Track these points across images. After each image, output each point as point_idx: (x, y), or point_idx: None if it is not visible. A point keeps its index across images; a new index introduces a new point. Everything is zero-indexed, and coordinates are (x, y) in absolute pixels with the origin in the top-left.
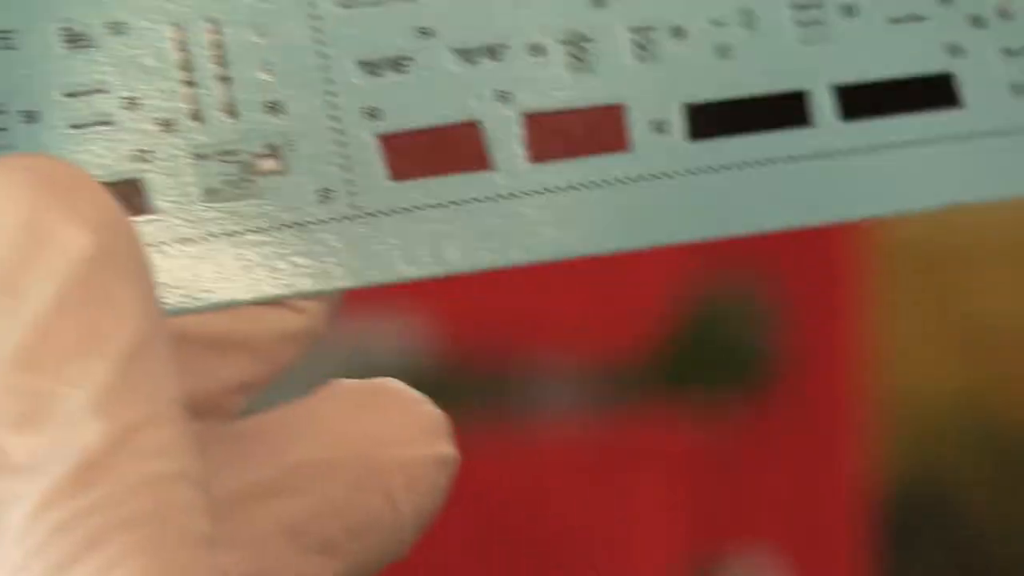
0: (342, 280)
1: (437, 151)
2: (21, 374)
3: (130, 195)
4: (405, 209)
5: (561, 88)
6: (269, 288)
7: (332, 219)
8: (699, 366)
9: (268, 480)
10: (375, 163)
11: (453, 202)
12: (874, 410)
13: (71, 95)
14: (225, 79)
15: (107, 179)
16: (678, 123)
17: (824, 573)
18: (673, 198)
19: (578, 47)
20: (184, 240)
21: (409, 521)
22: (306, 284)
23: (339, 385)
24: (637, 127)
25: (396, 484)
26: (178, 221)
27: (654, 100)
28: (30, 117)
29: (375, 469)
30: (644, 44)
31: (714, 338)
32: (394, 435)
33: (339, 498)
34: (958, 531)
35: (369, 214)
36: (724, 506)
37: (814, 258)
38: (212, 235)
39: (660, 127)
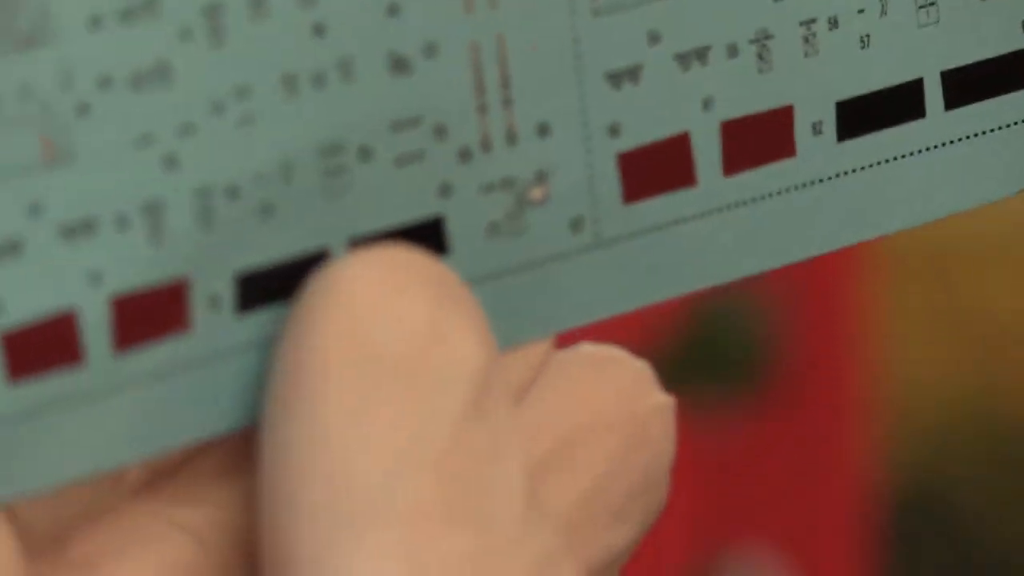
0: (588, 316)
1: (657, 168)
2: (444, 478)
3: (430, 235)
4: (634, 234)
5: (750, 91)
6: (517, 335)
7: (580, 250)
8: (701, 365)
9: (550, 456)
10: (613, 186)
11: (671, 223)
12: (876, 410)
13: (397, 127)
14: (508, 101)
15: (419, 219)
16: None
17: (825, 573)
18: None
19: (763, 45)
20: (470, 282)
21: (666, 470)
22: (555, 323)
23: (556, 354)
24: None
25: (656, 436)
26: (467, 262)
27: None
28: (365, 154)
29: (635, 424)
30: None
31: (716, 338)
32: (629, 389)
33: (619, 457)
34: (960, 532)
35: (609, 242)
36: (725, 506)
37: (817, 258)
38: (488, 276)
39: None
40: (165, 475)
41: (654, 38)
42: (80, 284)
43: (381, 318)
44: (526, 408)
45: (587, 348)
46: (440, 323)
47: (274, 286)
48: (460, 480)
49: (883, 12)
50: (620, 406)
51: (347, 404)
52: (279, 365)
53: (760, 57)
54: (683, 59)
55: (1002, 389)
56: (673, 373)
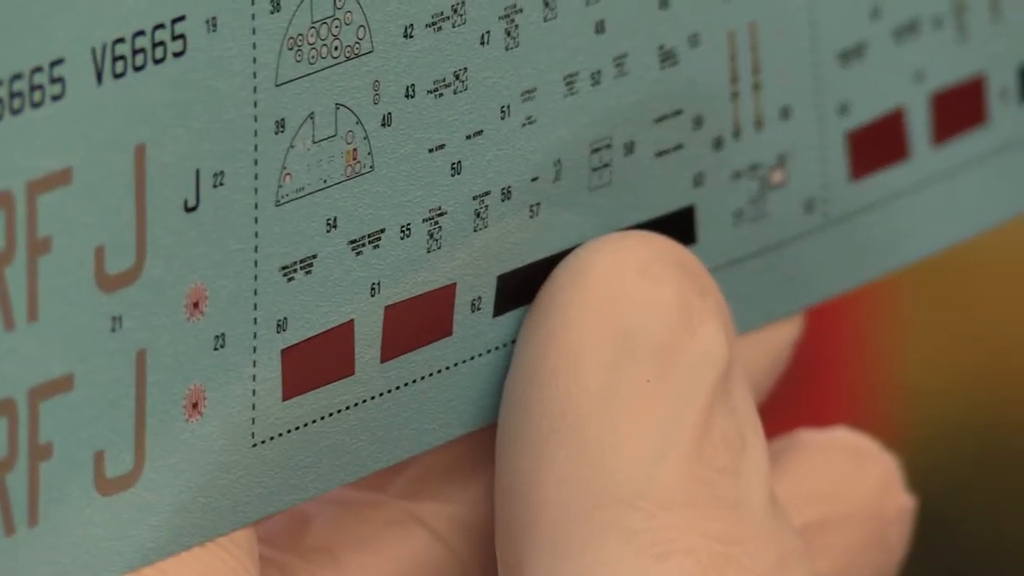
0: (820, 294)
1: (878, 143)
2: (697, 464)
3: (680, 225)
4: (859, 211)
5: (952, 60)
6: (755, 318)
7: (813, 230)
8: None
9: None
10: (841, 164)
11: (891, 197)
12: (878, 414)
13: (660, 120)
14: (757, 87)
15: (673, 209)
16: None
17: None
18: None
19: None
20: (715, 269)
21: (894, 574)
22: (790, 305)
23: (804, 438)
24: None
25: (893, 539)
26: (712, 249)
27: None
28: (628, 148)
29: (879, 523)
30: None
31: None
32: (876, 487)
33: (853, 556)
34: (963, 535)
35: (838, 220)
36: None
37: None
38: (731, 262)
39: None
40: (394, 468)
41: (876, 14)
42: (360, 295)
43: (634, 302)
44: (779, 482)
45: (844, 435)
46: (690, 312)
47: (530, 286)
48: (711, 467)
49: None
50: (868, 503)
51: (600, 383)
52: (528, 344)
53: (958, 27)
54: (899, 33)
55: (1006, 394)
56: None
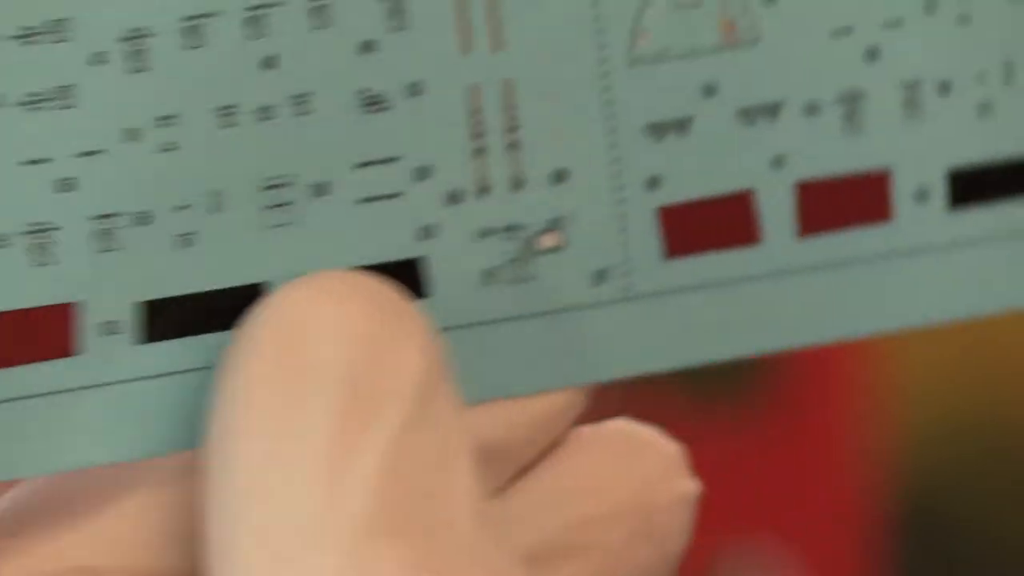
0: (610, 371)
1: (709, 224)
2: (387, 490)
3: (409, 276)
4: (676, 291)
5: (834, 152)
6: (533, 381)
7: (604, 302)
8: (703, 368)
9: (551, 543)
10: (651, 239)
11: (721, 282)
12: (878, 413)
13: (364, 165)
14: (514, 146)
15: (389, 259)
16: (939, 190)
17: (830, 573)
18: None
19: (851, 106)
20: (457, 327)
21: (671, 563)
22: (569, 377)
23: (579, 433)
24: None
25: (662, 526)
26: (453, 306)
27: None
28: (320, 190)
29: (646, 514)
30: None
31: None
32: (648, 477)
33: (618, 551)
34: (966, 535)
35: (643, 296)
36: (728, 506)
37: None
38: (484, 322)
39: (923, 195)
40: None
41: (709, 91)
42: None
43: (315, 329)
44: (543, 480)
45: (620, 426)
46: (378, 334)
47: (197, 317)
48: (404, 491)
49: (1008, 80)
50: (638, 495)
51: (271, 420)
52: (215, 387)
53: (847, 117)
54: (747, 114)
55: (1006, 394)
56: (674, 375)
